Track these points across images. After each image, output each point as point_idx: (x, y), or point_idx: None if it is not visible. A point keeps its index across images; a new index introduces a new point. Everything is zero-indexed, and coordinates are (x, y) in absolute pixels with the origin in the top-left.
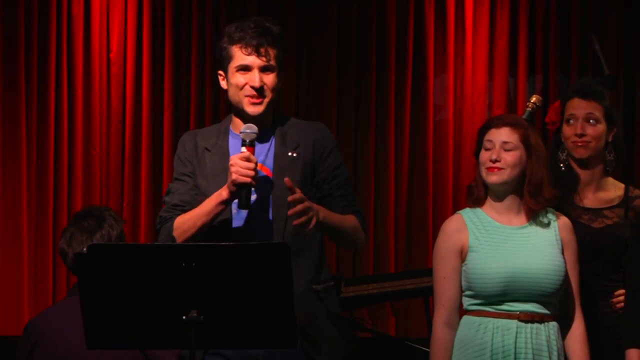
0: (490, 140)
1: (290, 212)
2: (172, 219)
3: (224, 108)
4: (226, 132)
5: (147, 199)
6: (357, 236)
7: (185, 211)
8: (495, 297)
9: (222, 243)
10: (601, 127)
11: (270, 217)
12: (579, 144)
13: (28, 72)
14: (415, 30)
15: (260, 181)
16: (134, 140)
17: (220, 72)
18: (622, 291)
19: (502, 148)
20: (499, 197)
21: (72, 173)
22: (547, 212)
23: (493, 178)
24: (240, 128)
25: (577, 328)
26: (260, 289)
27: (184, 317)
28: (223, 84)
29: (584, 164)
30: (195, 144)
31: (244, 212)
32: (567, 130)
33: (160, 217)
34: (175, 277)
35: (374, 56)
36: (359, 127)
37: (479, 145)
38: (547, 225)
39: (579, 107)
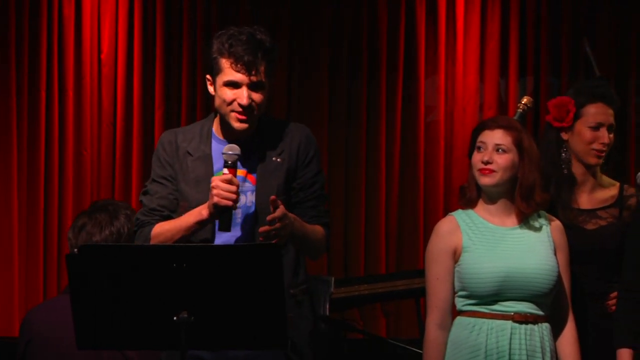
0: (483, 142)
1: (261, 229)
2: (150, 224)
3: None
4: (209, 136)
5: (138, 200)
6: (319, 248)
7: (163, 216)
8: (490, 297)
9: (213, 244)
10: (613, 133)
11: (253, 222)
12: (600, 154)
13: (19, 73)
14: (407, 31)
15: (244, 189)
16: (125, 141)
17: (209, 77)
18: (616, 293)
19: (495, 150)
20: (492, 199)
21: (63, 174)
22: (539, 215)
23: (485, 180)
24: (223, 132)
25: (569, 330)
26: (251, 290)
27: (174, 318)
28: (210, 89)
29: (590, 167)
30: (176, 145)
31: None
32: (588, 135)
33: (138, 219)
34: (166, 278)
35: (365, 57)
36: (350, 128)
37: (472, 147)
38: (540, 227)
39: (605, 114)
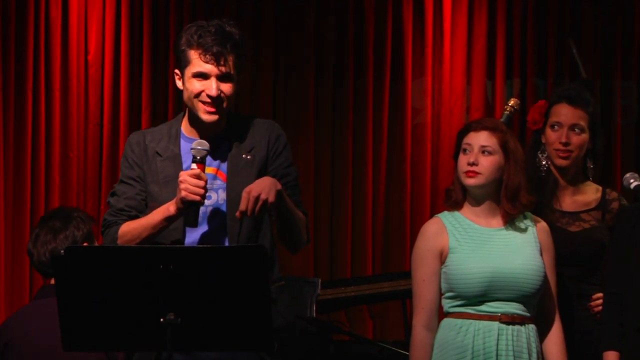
0: (468, 144)
1: (238, 212)
2: (117, 224)
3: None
4: (177, 136)
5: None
6: (302, 234)
7: (131, 217)
8: (477, 298)
9: (199, 245)
10: (585, 135)
11: (224, 219)
12: (561, 154)
13: (5, 74)
14: (394, 33)
15: (214, 186)
16: (112, 142)
17: (177, 71)
18: (599, 294)
19: (481, 152)
20: (477, 201)
21: (49, 175)
22: (525, 216)
23: (470, 181)
24: (191, 130)
25: (555, 331)
26: (237, 291)
27: (161, 320)
28: (179, 83)
29: (562, 169)
30: (144, 146)
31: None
32: (551, 136)
33: (105, 220)
34: (152, 279)
35: (352, 59)
36: (336, 129)
37: (457, 149)
38: (526, 228)
39: (566, 114)
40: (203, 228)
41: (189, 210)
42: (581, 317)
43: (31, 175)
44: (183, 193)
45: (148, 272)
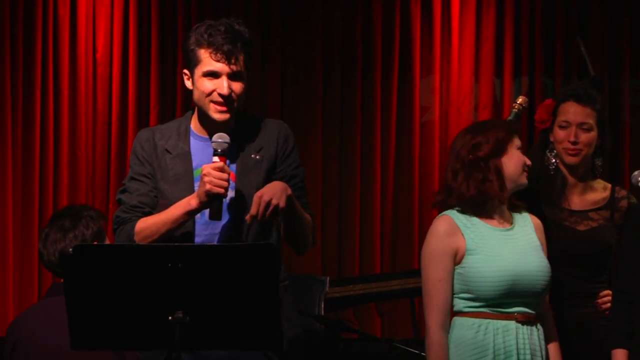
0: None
1: (248, 216)
2: (132, 221)
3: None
4: (187, 133)
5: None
6: (309, 236)
7: (145, 213)
8: (497, 300)
9: (208, 244)
10: (593, 133)
11: (233, 218)
12: (571, 152)
13: (14, 73)
14: (402, 31)
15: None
16: (120, 141)
17: (186, 71)
18: (606, 292)
19: (520, 150)
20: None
21: (58, 174)
22: (523, 214)
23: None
24: (200, 128)
25: (552, 329)
26: (246, 290)
27: (169, 318)
28: (188, 83)
29: (572, 167)
30: (154, 143)
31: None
32: (559, 134)
33: (118, 217)
34: (161, 277)
35: (360, 57)
36: (344, 128)
37: (500, 147)
38: (527, 226)
39: (574, 112)
40: (211, 227)
41: (212, 204)
42: (588, 314)
43: (40, 174)
44: (208, 186)
45: (156, 271)
